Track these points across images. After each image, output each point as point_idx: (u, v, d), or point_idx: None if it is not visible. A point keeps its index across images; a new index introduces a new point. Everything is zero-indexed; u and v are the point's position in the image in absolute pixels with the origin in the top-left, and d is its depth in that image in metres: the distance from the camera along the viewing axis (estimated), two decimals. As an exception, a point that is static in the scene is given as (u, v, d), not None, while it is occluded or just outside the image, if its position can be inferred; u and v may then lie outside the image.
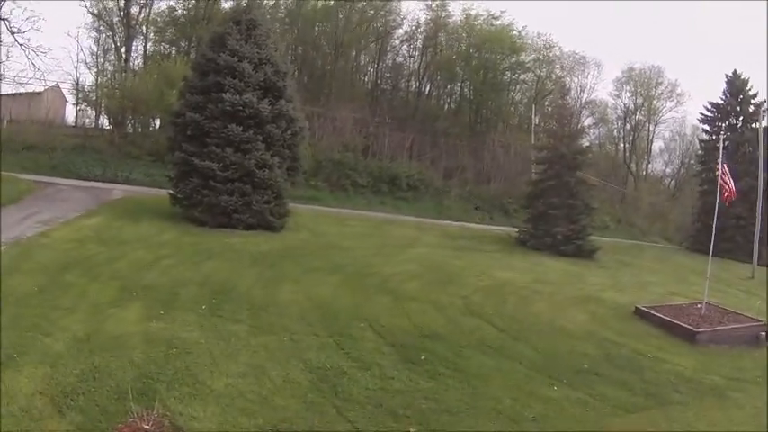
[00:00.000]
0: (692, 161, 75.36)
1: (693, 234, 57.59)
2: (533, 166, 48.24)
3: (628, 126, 79.02)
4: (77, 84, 55.51)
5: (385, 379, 13.81)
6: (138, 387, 11.64)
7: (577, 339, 19.07)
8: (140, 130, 54.29)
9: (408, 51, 68.93)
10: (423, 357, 15.34)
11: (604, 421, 13.21)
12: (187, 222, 29.69)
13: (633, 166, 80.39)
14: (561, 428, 12.61)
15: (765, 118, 55.96)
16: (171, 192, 31.52)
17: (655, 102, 77.54)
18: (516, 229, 42.23)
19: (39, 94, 53.92)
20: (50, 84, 53.07)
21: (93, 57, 57.01)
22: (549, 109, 65.00)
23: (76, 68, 66.89)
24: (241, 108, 29.41)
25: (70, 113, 61.88)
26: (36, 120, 49.79)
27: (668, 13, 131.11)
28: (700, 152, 63.81)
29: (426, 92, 70.31)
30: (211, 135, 29.61)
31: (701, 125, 63.29)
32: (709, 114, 60.81)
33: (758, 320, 22.93)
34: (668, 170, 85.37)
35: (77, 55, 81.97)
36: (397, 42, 68.12)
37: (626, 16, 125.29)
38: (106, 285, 18.18)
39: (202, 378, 12.54)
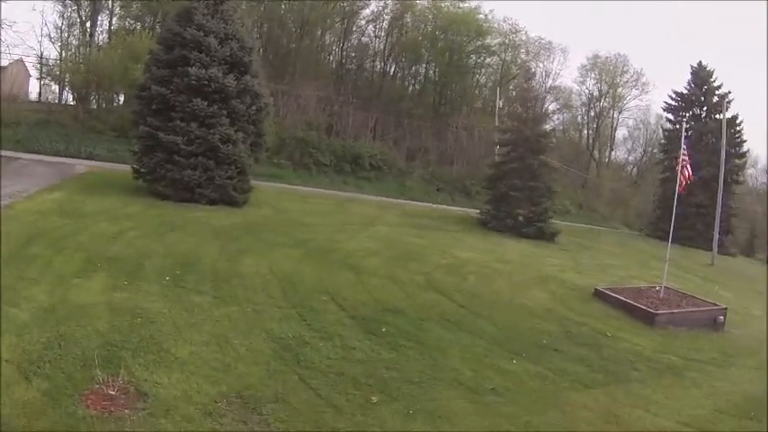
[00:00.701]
0: (655, 150, 76.25)
1: (654, 221, 59.16)
2: (496, 148, 48.56)
3: (592, 113, 79.45)
4: (41, 58, 54.96)
5: (347, 349, 14.08)
6: (104, 355, 11.75)
7: (537, 317, 19.55)
8: (104, 105, 53.43)
9: (374, 32, 68.55)
10: (384, 330, 15.63)
11: (564, 395, 13.61)
12: (151, 196, 29.46)
13: (596, 152, 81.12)
14: (521, 400, 12.94)
15: (728, 109, 56.89)
16: (134, 166, 31.28)
17: (619, 89, 78.00)
18: (477, 211, 42.65)
19: (3, 68, 52.60)
20: (14, 58, 52.95)
21: (58, 31, 56.31)
22: (514, 93, 65.30)
23: (40, 43, 67.83)
24: (206, 82, 29.26)
25: (34, 88, 60.91)
26: (7, 96, 48.30)
27: (636, 4, 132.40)
28: (663, 141, 65.14)
29: (391, 73, 70.14)
30: (176, 109, 29.41)
31: (665, 114, 64.64)
32: (674, 103, 61.98)
33: (716, 305, 23.63)
34: (631, 158, 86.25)
35: (41, 29, 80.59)
36: (363, 23, 67.65)
37: (593, 5, 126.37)
38: (70, 257, 18.11)
39: (166, 346, 12.68)
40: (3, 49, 40.23)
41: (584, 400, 13.47)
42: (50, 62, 55.60)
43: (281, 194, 38.49)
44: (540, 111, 44.85)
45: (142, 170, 30.57)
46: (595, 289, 23.92)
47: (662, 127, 68.81)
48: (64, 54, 56.09)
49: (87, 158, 40.94)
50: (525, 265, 28.77)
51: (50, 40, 56.79)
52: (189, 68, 29.21)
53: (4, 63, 51.39)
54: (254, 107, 31.21)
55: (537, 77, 44.52)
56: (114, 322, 13.49)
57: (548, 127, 47.80)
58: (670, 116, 63.60)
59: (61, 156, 40.17)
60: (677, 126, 60.47)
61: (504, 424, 11.74)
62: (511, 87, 69.28)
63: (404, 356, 14.20)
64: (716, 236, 48.51)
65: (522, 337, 17.11)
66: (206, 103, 29.35)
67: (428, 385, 12.87)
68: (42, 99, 56.48)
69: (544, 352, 16.22)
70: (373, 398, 11.82)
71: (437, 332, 16.26)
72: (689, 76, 62.09)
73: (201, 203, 29.50)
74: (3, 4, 36.27)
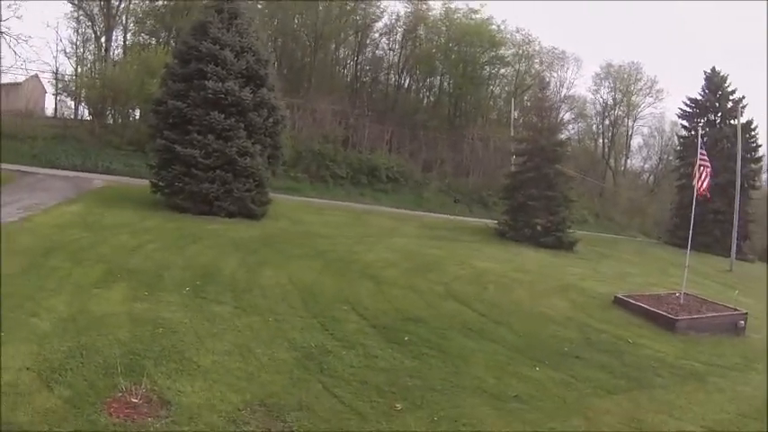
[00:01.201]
0: (671, 157, 75.97)
1: (671, 228, 58.58)
2: (512, 158, 48.30)
3: (606, 121, 79.50)
4: (56, 74, 54.79)
5: (369, 358, 13.94)
6: (126, 363, 11.58)
7: (558, 325, 19.33)
8: (120, 120, 53.52)
9: (388, 44, 68.85)
10: (406, 339, 15.50)
11: (587, 401, 13.39)
12: (169, 210, 29.60)
13: (612, 161, 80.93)
14: (544, 407, 12.76)
15: (743, 114, 56.67)
16: (152, 180, 31.41)
17: (633, 97, 78.01)
18: (495, 221, 42.38)
19: (18, 84, 53.49)
20: (30, 74, 52.40)
21: (73, 46, 56.85)
22: (528, 103, 65.65)
23: (56, 58, 66.54)
24: (223, 96, 29.39)
25: (50, 104, 61.34)
26: (16, 110, 48.77)
27: (647, 11, 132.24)
28: (678, 148, 64.58)
29: (406, 85, 70.34)
30: (193, 122, 29.56)
31: (680, 120, 64.09)
32: (688, 110, 61.50)
33: (736, 310, 23.26)
34: (647, 166, 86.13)
35: (57, 45, 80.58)
36: (377, 35, 67.98)
37: (605, 14, 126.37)
38: (90, 268, 18.07)
39: (189, 355, 12.58)
40: (19, 64, 39.93)
41: (608, 405, 13.25)
42: (66, 78, 55.83)
43: (298, 207, 38.57)
44: (556, 120, 44.72)
45: (160, 184, 30.73)
46: (615, 296, 23.50)
47: (677, 134, 68.29)
48: (80, 69, 56.56)
49: (104, 173, 41.14)
50: (545, 274, 28.45)
51: (66, 56, 57.38)
52: (206, 82, 29.38)
53: (21, 79, 51.52)
54: (270, 120, 31.36)
55: (551, 87, 43.93)
56: (136, 332, 13.40)
57: (563, 136, 47.54)
58: (685, 123, 63.36)
59: (78, 170, 40.44)
60: (692, 132, 60.24)
61: (528, 430, 11.56)
62: (525, 98, 69.76)
63: (426, 365, 14.05)
64: (734, 242, 48.08)
65: (543, 345, 16.92)
66: (223, 116, 29.46)
67: (451, 393, 12.69)
68: (58, 115, 56.49)
69: (566, 359, 16.01)
70: (397, 405, 11.67)
71: (459, 341, 16.12)
72: (702, 82, 61.84)
73: (220, 216, 29.60)
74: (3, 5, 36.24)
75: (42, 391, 10.34)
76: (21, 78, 51.31)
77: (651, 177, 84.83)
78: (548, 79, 45.29)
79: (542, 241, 38.65)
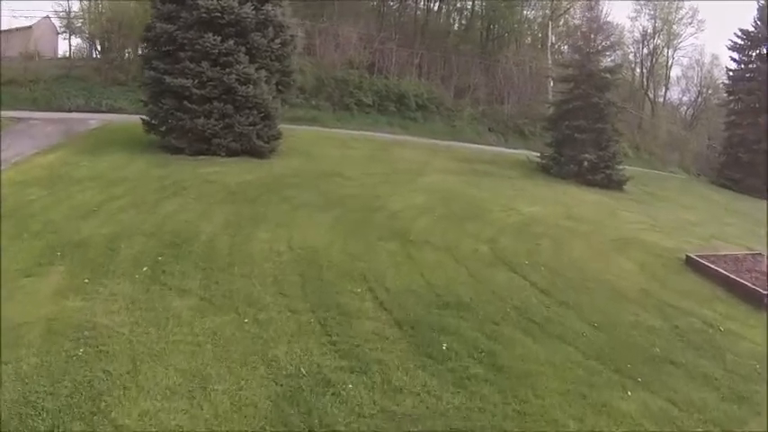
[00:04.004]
0: (710, 90, 72.21)
1: (717, 167, 52.85)
2: (550, 85, 43.80)
3: (645, 50, 72.97)
4: (65, 12, 50.43)
5: (389, 393, 8.81)
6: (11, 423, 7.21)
7: (634, 303, 14.22)
8: (127, 55, 47.84)
9: (417, -35, 62.53)
10: (444, 347, 10.33)
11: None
12: (163, 151, 24.72)
13: (650, 92, 74.59)
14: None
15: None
16: (143, 117, 26.34)
17: (674, 27, 71.73)
18: (536, 154, 37.02)
19: (29, 28, 49.78)
20: (41, 16, 50.26)
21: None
22: (564, 29, 60.31)
23: None
24: (219, 14, 23.85)
25: (63, 45, 56.03)
26: (26, 54, 44.48)
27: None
28: (727, 82, 57.59)
29: (435, 8, 64.24)
30: (185, 48, 24.26)
31: (731, 53, 56.95)
32: (740, 42, 54.55)
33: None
34: (685, 98, 79.63)
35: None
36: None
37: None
38: (29, 243, 13.42)
39: (107, 404, 7.81)
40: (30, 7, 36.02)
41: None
42: (71, 14, 51.04)
43: (317, 140, 33.30)
44: (606, 43, 38.69)
45: (153, 122, 25.66)
46: (687, 256, 18.68)
47: (726, 67, 60.74)
48: (87, 4, 51.12)
49: (109, 112, 37.10)
50: (600, 222, 23.35)
51: None
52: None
53: (30, 23, 49.29)
54: (278, 40, 25.70)
55: (601, 5, 37.63)
56: (47, 357, 8.76)
57: (610, 61, 41.25)
58: (735, 55, 55.96)
59: (81, 111, 36.43)
60: (742, 66, 53.85)
61: None
62: (561, 23, 64.27)
63: (476, 399, 8.92)
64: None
65: (627, 344, 11.75)
66: (219, 39, 24.01)
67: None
68: (67, 55, 51.62)
69: (660, 368, 10.90)
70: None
71: (519, 344, 10.90)
72: (755, 13, 54.71)
73: (220, 155, 24.55)
74: None
75: None
76: (32, 21, 49.25)
77: (690, 111, 78.65)
78: (597, -5, 38.30)
79: (590, 179, 33.44)
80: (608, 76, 36.53)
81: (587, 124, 34.55)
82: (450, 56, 56.22)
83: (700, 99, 76.26)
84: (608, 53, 38.83)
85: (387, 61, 51.87)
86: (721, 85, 64.62)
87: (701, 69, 75.69)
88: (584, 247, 18.74)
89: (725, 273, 17.09)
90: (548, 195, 27.75)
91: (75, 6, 52.08)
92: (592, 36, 37.57)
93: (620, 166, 35.23)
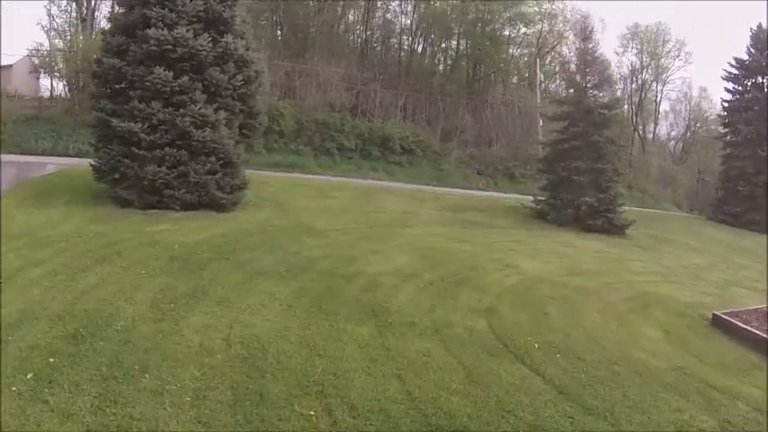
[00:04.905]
0: (699, 124, 72.43)
1: (715, 202, 49.96)
2: (539, 125, 42.32)
3: (634, 85, 71.51)
4: (49, 51, 47.94)
5: None
6: None
7: (674, 391, 10.70)
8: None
9: (400, 8, 60.21)
10: None
11: None
12: (112, 203, 21.07)
13: (640, 128, 72.68)
14: None
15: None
16: (93, 163, 22.57)
17: (662, 60, 70.65)
18: (529, 197, 34.04)
19: (9, 66, 48.90)
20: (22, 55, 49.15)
21: (50, 19, 49.05)
22: (554, 66, 59.87)
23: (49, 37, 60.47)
24: (171, 46, 20.32)
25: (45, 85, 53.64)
26: (6, 93, 42.21)
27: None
28: (722, 113, 54.82)
29: (419, 50, 61.82)
30: (135, 85, 20.71)
31: (724, 83, 54.03)
32: (734, 71, 51.53)
33: None
34: (673, 133, 79.14)
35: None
36: (388, -2, 59.13)
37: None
38: None
39: None
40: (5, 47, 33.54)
41: None
42: (45, 53, 48.80)
43: (293, 188, 29.84)
44: (603, 76, 35.46)
45: (103, 168, 21.80)
46: (713, 315, 16.02)
47: (722, 98, 58.11)
48: (60, 44, 48.73)
49: (77, 156, 33.56)
50: (608, 275, 20.17)
51: (42, 29, 51.94)
52: (148, 30, 20.30)
53: (11, 61, 48.33)
54: (240, 77, 22.04)
55: (594, 37, 34.43)
56: None
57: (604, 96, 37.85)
58: (730, 85, 53.01)
59: (48, 155, 33.38)
60: (737, 96, 51.21)
61: None
62: (548, 61, 63.03)
63: None
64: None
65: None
66: (172, 75, 20.44)
67: None
68: (57, 95, 48.81)
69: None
70: None
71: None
72: (748, 41, 52.10)
73: (175, 209, 20.83)
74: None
75: None
76: (11, 61, 48.40)
77: (679, 145, 78.03)
78: (590, 25, 35.18)
79: (590, 224, 30.16)
80: (606, 112, 33.44)
81: (586, 165, 31.45)
82: (435, 97, 53.68)
83: (688, 133, 75.95)
84: (605, 88, 35.59)
85: (370, 103, 49.16)
86: (716, 117, 63.13)
87: (690, 103, 75.76)
88: (599, 310, 15.48)
89: (758, 333, 14.64)
90: (547, 247, 24.46)
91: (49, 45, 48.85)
92: (587, 69, 34.40)
93: (621, 209, 32.16)
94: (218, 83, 21.36)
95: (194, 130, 20.67)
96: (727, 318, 15.74)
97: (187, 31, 20.55)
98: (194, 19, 21.11)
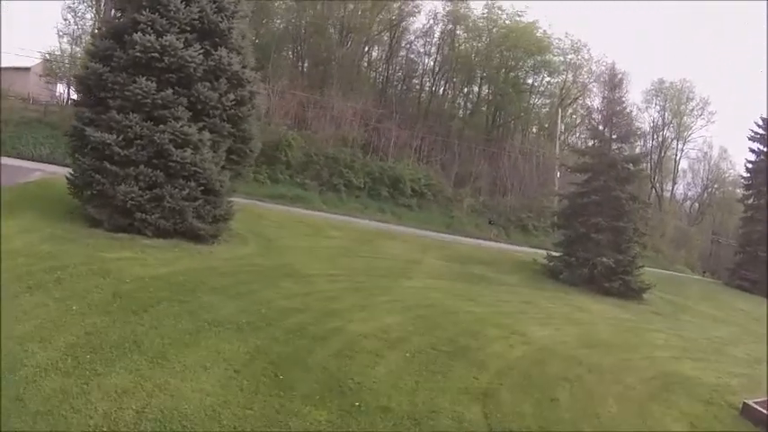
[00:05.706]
0: (716, 184, 70.67)
1: (732, 267, 47.28)
2: (557, 177, 40.86)
3: (654, 142, 68.79)
4: (63, 55, 48.23)
5: None
6: None
7: None
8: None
9: (424, 49, 58.25)
10: None
11: None
12: (82, 220, 18.47)
13: (658, 186, 69.95)
14: None
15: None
16: (68, 176, 19.86)
17: (685, 118, 68.19)
18: (541, 251, 31.61)
19: (27, 69, 48.05)
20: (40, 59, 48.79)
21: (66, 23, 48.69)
22: (575, 117, 58.28)
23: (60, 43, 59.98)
24: (157, 54, 17.80)
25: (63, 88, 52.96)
26: (22, 96, 42.58)
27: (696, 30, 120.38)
28: (745, 174, 52.39)
29: (441, 92, 59.74)
30: (115, 95, 18.22)
31: (749, 143, 51.54)
32: (761, 132, 48.86)
33: None
34: (690, 193, 76.26)
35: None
36: (412, 38, 57.42)
37: (654, 31, 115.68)
38: None
39: None
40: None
41: None
42: (57, 57, 49.18)
43: (289, 224, 27.15)
44: (630, 128, 33.00)
45: (77, 182, 19.21)
46: (743, 404, 14.05)
47: (746, 159, 55.73)
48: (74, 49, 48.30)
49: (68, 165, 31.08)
50: (626, 349, 17.82)
51: (58, 35, 51.39)
52: (135, 35, 17.83)
53: (29, 64, 47.56)
54: (231, 96, 19.38)
55: (624, 84, 32.03)
56: None
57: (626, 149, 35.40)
58: (755, 146, 50.44)
59: (44, 162, 31.35)
60: (761, 157, 48.65)
61: None
62: (570, 112, 60.80)
63: None
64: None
65: None
66: (155, 86, 17.91)
67: None
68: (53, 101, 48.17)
69: None
70: None
71: None
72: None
73: (147, 235, 18.12)
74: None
75: None
76: (30, 63, 47.59)
77: (695, 206, 75.26)
78: (620, 75, 32.61)
79: (605, 286, 27.47)
80: (630, 166, 30.95)
81: (605, 222, 29.01)
82: (452, 141, 51.50)
83: (705, 194, 73.84)
84: (631, 140, 33.18)
85: (384, 141, 46.70)
86: (735, 178, 63.27)
87: (709, 162, 73.49)
88: (616, 396, 13.13)
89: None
90: (559, 310, 21.99)
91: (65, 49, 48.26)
92: (613, 120, 31.93)
93: (639, 271, 29.43)
94: (207, 100, 18.74)
95: (173, 149, 17.98)
96: (758, 408, 13.73)
97: (177, 39, 18.11)
98: (187, 27, 18.58)
